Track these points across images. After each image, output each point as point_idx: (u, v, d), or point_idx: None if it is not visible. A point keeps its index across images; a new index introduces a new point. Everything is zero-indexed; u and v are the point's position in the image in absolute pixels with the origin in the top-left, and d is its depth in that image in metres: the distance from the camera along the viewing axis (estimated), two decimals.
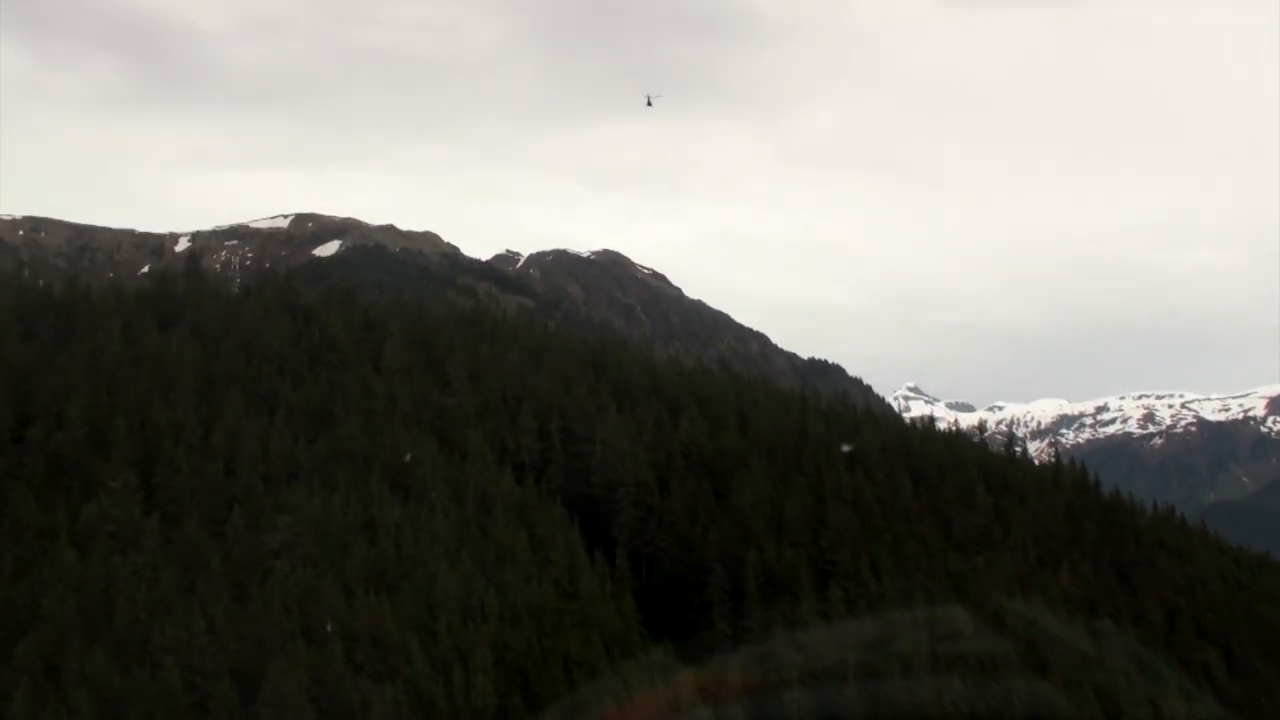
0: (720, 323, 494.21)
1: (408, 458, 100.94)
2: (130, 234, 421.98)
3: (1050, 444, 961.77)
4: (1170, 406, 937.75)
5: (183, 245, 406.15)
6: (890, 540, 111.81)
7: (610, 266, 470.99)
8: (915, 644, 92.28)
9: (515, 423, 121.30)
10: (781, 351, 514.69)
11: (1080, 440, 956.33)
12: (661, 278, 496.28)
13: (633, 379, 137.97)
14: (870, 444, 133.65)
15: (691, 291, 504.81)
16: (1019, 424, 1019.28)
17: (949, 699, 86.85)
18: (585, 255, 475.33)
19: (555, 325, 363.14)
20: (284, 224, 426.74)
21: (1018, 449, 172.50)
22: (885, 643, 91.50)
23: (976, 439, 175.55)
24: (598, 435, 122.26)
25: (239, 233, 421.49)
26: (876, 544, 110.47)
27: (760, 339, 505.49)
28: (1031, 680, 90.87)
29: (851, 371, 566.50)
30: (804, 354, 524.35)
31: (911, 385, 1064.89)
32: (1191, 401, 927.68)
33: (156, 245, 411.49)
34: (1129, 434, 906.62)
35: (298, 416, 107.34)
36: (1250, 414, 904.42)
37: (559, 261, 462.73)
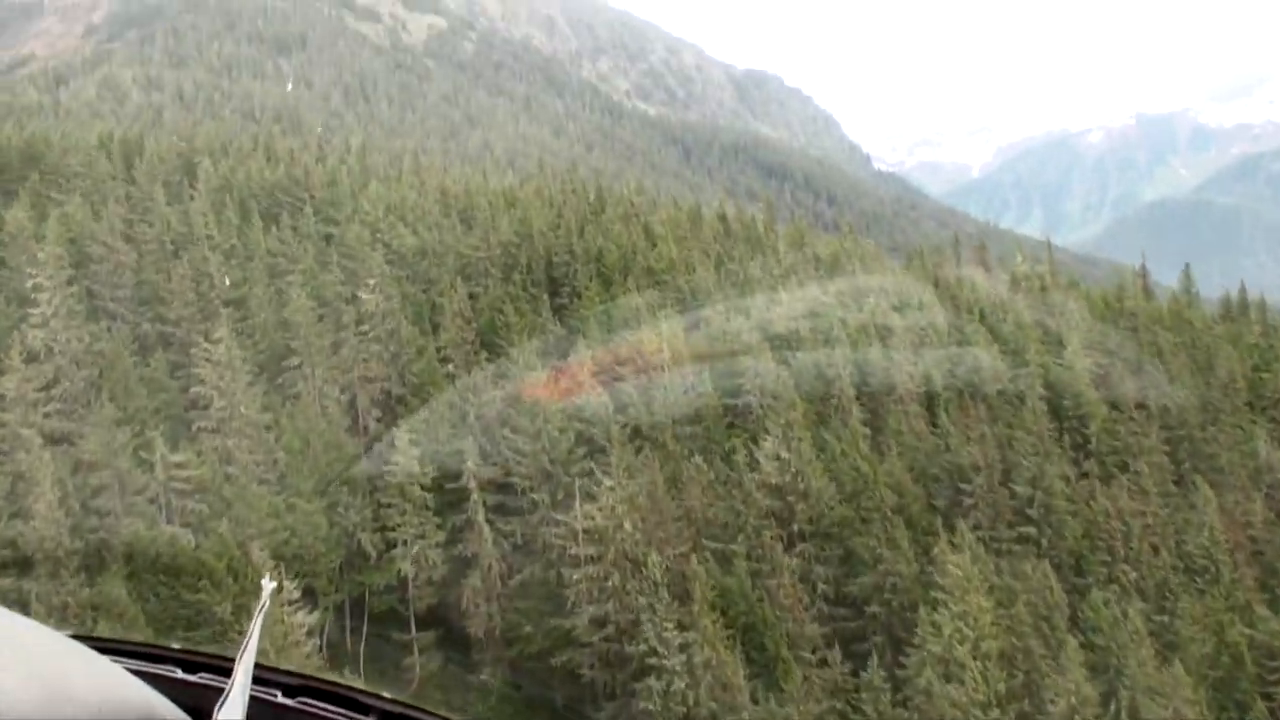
0: (650, 34, 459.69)
1: None
2: None
3: (986, 141, 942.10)
4: (1106, 99, 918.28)
5: None
6: None
7: None
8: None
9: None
10: (717, 63, 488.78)
11: (1016, 138, 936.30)
12: None
13: None
14: None
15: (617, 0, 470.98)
16: (952, 120, 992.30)
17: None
18: None
19: (472, 47, 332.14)
20: None
21: None
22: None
23: None
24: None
25: None
26: None
27: (694, 50, 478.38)
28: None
29: (789, 81, 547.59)
30: (740, 65, 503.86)
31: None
32: (1128, 93, 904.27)
33: None
34: (1065, 130, 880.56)
35: None
36: (1189, 105, 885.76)
37: None
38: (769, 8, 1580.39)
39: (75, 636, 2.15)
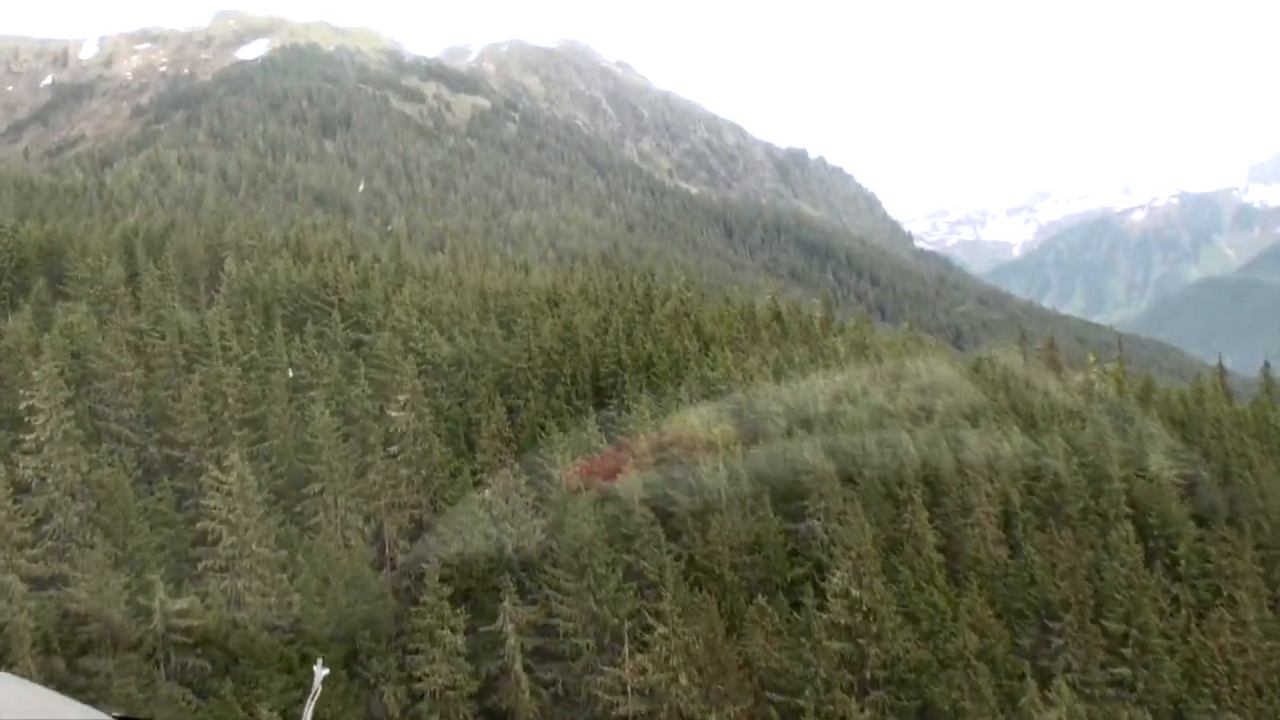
0: (692, 113, 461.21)
1: None
2: (28, 41, 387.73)
3: (1027, 220, 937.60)
4: (1148, 177, 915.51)
5: (89, 51, 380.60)
6: None
7: (571, 56, 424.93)
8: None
9: None
10: (759, 142, 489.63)
11: (1057, 216, 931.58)
12: (627, 66, 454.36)
13: None
14: None
15: (660, 80, 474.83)
16: (993, 199, 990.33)
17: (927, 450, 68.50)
18: (544, 44, 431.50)
19: (515, 128, 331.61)
20: (203, 23, 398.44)
21: None
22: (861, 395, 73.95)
23: None
24: None
25: (152, 35, 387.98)
26: None
27: (735, 129, 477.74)
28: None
29: (831, 160, 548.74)
30: (781, 144, 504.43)
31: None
32: (1170, 172, 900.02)
33: (59, 52, 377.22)
34: (1107, 208, 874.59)
35: None
36: (1233, 184, 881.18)
37: (515, 52, 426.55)
38: (810, 88, 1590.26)
39: (122, 719, 2.24)
